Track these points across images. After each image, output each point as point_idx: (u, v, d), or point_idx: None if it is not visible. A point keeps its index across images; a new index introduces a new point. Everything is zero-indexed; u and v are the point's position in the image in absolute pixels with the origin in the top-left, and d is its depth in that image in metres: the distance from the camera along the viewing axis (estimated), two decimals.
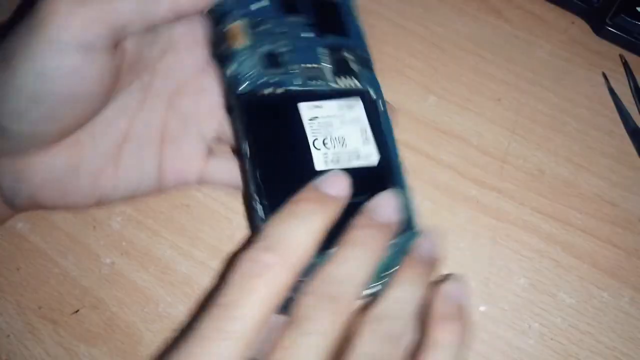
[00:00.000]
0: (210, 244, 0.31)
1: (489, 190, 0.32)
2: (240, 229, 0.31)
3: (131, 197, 0.27)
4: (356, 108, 0.26)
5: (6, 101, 0.22)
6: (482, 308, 0.30)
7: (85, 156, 0.25)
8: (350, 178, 0.23)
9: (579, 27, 0.36)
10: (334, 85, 0.26)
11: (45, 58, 0.21)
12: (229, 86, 0.25)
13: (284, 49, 0.25)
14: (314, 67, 0.26)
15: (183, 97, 0.28)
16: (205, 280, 0.30)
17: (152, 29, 0.24)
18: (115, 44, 0.23)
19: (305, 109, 0.25)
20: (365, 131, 0.25)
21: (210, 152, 0.28)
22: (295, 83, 0.25)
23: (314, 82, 0.25)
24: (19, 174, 0.24)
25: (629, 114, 0.34)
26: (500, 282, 0.30)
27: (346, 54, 0.26)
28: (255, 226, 0.24)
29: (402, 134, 0.33)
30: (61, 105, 0.23)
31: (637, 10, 0.34)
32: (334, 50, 0.26)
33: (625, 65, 0.35)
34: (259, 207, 0.24)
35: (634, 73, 0.34)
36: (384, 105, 0.26)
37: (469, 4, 0.36)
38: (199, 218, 0.31)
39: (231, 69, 0.24)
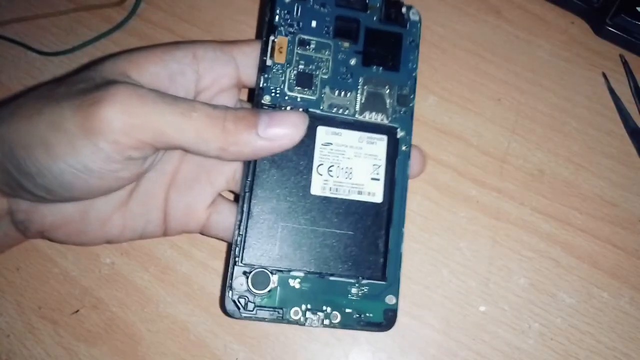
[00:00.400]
0: (210, 244, 0.31)
1: (489, 190, 0.32)
2: None
3: (138, 240, 0.27)
4: (378, 145, 0.26)
5: (39, 179, 0.22)
6: (482, 308, 0.30)
7: (95, 204, 0.25)
8: (347, 208, 0.25)
9: (579, 27, 0.36)
10: (359, 117, 0.26)
11: (89, 162, 0.21)
12: (256, 97, 0.25)
13: (319, 72, 0.26)
14: (344, 96, 0.26)
15: None
16: (205, 280, 0.30)
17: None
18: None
19: (322, 133, 0.25)
20: (378, 168, 0.26)
21: (214, 204, 0.27)
22: (319, 107, 0.25)
23: (340, 110, 0.26)
24: (30, 214, 0.25)
25: (629, 114, 0.34)
26: (500, 282, 0.30)
27: (384, 90, 0.26)
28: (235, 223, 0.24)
29: None
30: (91, 194, 0.23)
31: (637, 10, 0.34)
32: (373, 84, 0.26)
33: (625, 65, 0.35)
34: (238, 209, 0.24)
35: (634, 73, 0.34)
36: (407, 147, 0.26)
37: (469, 4, 0.36)
38: None
39: (261, 80, 0.25)
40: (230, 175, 0.27)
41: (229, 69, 0.26)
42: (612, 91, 0.34)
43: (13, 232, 0.26)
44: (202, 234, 0.27)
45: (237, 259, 0.24)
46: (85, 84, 0.22)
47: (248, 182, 0.24)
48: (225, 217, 0.27)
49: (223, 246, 0.30)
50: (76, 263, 0.30)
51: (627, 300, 0.30)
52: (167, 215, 0.26)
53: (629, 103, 0.34)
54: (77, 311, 0.30)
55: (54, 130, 0.21)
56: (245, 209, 0.24)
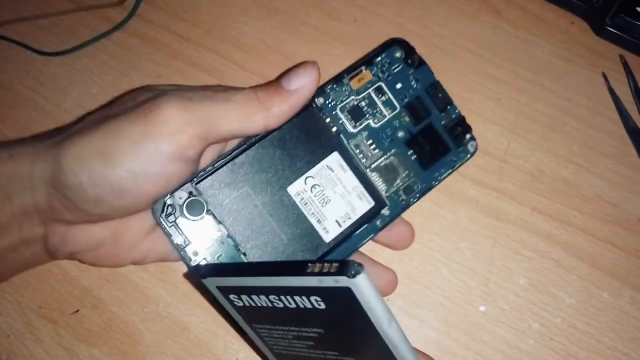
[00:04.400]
0: None
1: (488, 190, 0.32)
2: None
3: (160, 262, 0.28)
4: (363, 203, 0.27)
5: (92, 189, 0.23)
6: (482, 308, 0.30)
7: (128, 229, 0.26)
8: (299, 222, 0.26)
9: (578, 27, 0.36)
10: (367, 172, 0.27)
11: (149, 164, 0.23)
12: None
13: (371, 118, 0.27)
14: (372, 149, 0.27)
15: None
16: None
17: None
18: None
19: (333, 158, 0.27)
20: (347, 219, 0.27)
21: None
22: (349, 140, 0.27)
23: (360, 154, 0.27)
24: (65, 237, 0.25)
25: (628, 114, 0.34)
26: (500, 282, 0.30)
27: (402, 171, 0.28)
28: None
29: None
30: (140, 201, 0.24)
31: (636, 10, 0.34)
32: (399, 160, 0.28)
33: (625, 65, 0.35)
34: (227, 152, 0.26)
35: (634, 73, 0.34)
36: (381, 225, 0.27)
37: (469, 4, 0.36)
38: None
39: (328, 85, 0.27)
40: None
41: None
42: (611, 91, 0.34)
43: (43, 254, 0.26)
44: None
45: (194, 179, 0.25)
46: (133, 101, 0.24)
47: (253, 139, 0.26)
48: None
49: None
50: (76, 263, 0.30)
51: (627, 300, 0.30)
52: None
53: (629, 103, 0.34)
54: (77, 311, 0.30)
55: (114, 139, 0.22)
56: (233, 154, 0.26)
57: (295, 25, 0.36)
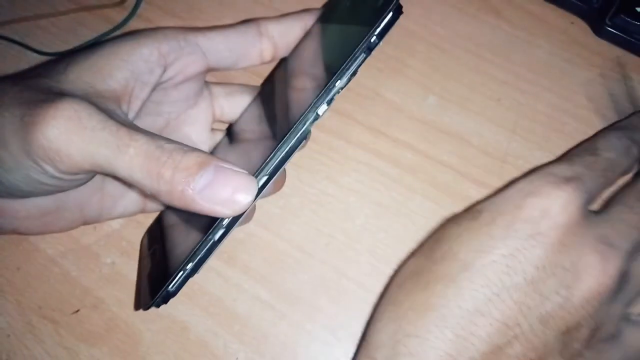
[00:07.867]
0: None
1: (489, 191, 0.32)
2: (240, 228, 0.31)
3: (117, 218, 0.27)
4: None
5: None
6: None
7: (71, 190, 0.25)
8: None
9: (578, 28, 0.36)
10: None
11: (37, 175, 0.21)
12: None
13: None
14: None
15: (172, 132, 0.27)
16: (205, 279, 0.30)
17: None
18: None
19: None
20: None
21: None
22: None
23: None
24: (1, 211, 0.24)
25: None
26: None
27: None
28: None
29: (402, 133, 0.33)
30: (49, 192, 0.23)
31: (636, 11, 0.34)
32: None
33: (625, 65, 0.35)
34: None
35: (633, 73, 0.34)
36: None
37: (469, 4, 0.36)
38: None
39: None
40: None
41: (195, 57, 0.25)
42: (611, 91, 0.34)
43: None
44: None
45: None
46: (38, 91, 0.21)
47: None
48: None
49: (223, 247, 0.30)
50: (76, 263, 0.30)
51: None
52: (146, 195, 0.26)
53: (628, 104, 0.34)
54: (78, 311, 0.30)
55: (1, 147, 0.21)
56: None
57: None
